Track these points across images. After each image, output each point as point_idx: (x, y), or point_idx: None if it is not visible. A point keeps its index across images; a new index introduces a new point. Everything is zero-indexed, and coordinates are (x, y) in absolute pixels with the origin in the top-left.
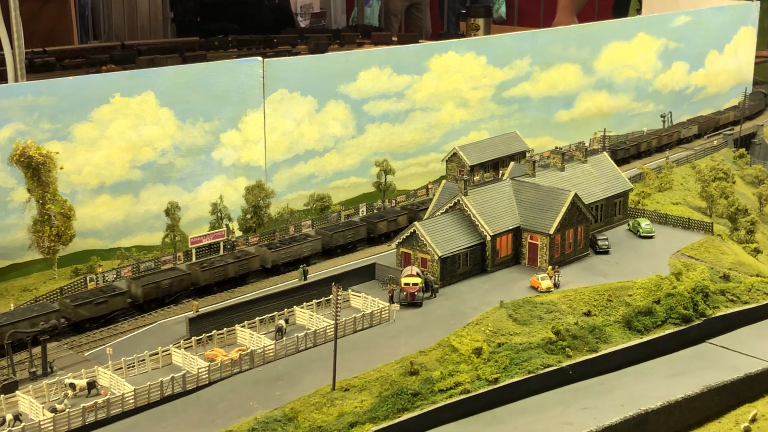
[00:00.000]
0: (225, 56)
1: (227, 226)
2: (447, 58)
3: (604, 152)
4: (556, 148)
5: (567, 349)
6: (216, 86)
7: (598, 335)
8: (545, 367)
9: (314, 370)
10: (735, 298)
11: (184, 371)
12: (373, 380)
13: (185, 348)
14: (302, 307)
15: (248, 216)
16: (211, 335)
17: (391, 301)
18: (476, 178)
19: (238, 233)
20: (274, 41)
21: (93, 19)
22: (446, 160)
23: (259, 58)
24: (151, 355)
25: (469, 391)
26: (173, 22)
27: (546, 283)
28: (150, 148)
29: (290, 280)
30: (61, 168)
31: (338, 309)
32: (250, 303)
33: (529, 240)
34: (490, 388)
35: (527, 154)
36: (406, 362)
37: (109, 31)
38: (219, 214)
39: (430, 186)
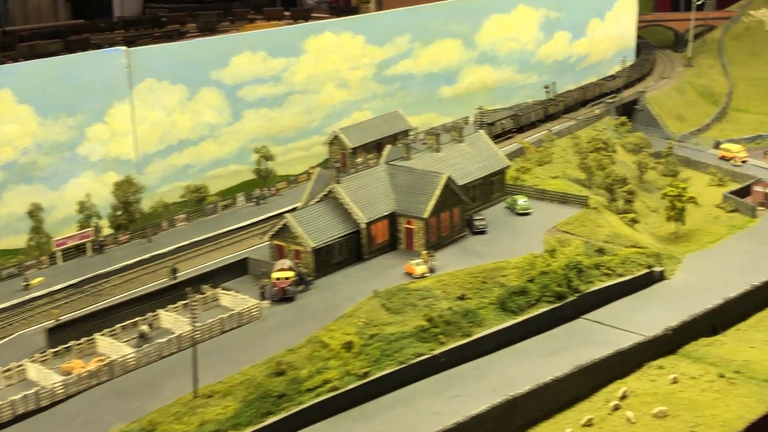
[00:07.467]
0: (111, 38)
1: (96, 224)
2: (323, 38)
3: (481, 131)
4: (431, 128)
5: (440, 336)
6: (78, 79)
7: (471, 319)
8: (417, 357)
9: (177, 377)
10: (610, 272)
11: (38, 387)
12: (237, 384)
13: (41, 361)
14: (167, 310)
15: (118, 213)
16: (68, 346)
17: (263, 297)
18: (359, 159)
19: (107, 231)
20: (163, 20)
21: None
22: (328, 143)
23: (123, 48)
24: (3, 372)
25: (337, 388)
26: (68, 2)
27: (421, 269)
28: (10, 148)
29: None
30: None
31: (195, 313)
32: (115, 308)
33: (405, 225)
34: (360, 383)
35: (411, 132)
36: (274, 362)
37: (6, 14)
38: (87, 213)
39: (311, 171)
